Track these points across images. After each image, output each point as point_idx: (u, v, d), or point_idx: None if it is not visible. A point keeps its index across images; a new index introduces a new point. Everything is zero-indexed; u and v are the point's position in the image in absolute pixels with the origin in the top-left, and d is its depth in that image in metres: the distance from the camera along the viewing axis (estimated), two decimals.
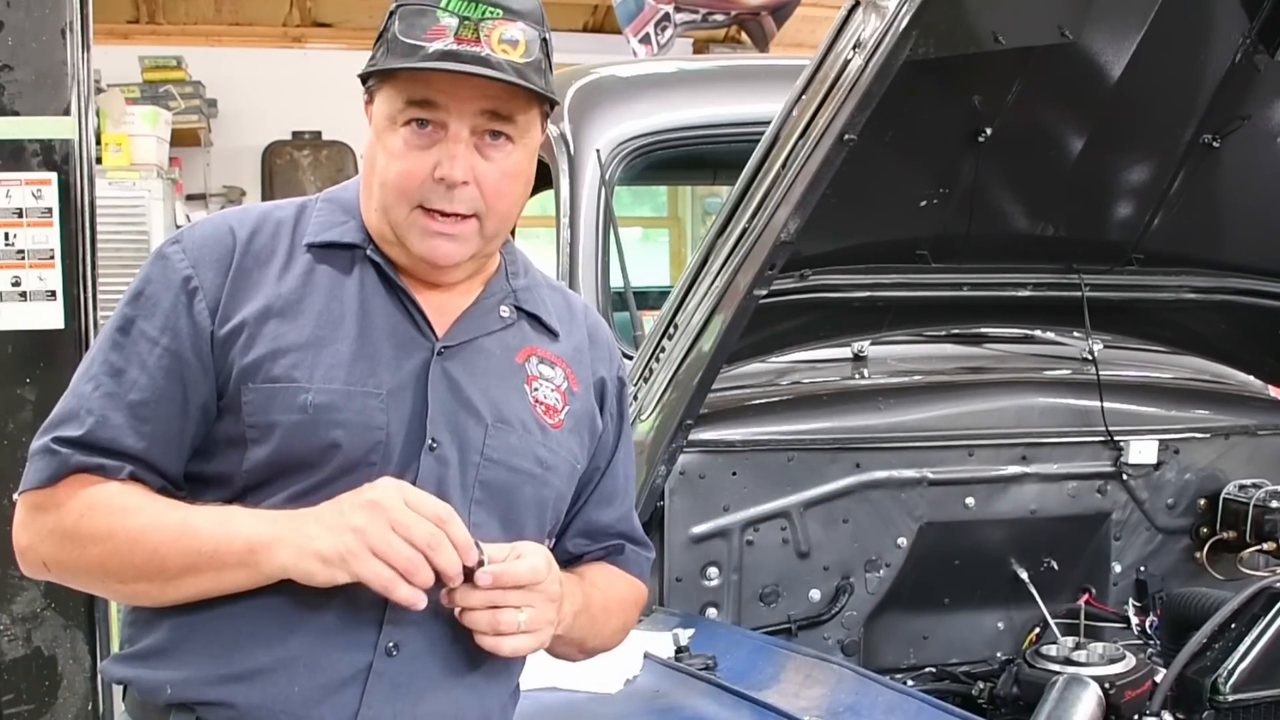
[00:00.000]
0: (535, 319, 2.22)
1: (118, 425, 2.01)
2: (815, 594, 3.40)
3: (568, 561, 2.22)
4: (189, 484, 2.07)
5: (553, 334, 2.23)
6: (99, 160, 6.88)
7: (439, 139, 2.01)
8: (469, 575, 1.91)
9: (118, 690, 2.25)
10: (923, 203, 3.22)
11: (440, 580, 1.89)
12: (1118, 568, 3.69)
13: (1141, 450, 3.63)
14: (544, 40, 2.04)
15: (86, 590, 2.12)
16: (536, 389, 2.16)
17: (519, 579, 1.94)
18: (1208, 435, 3.75)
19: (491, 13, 1.98)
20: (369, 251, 2.11)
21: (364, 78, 2.08)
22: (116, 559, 1.97)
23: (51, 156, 3.89)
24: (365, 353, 2.04)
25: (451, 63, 1.96)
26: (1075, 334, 3.84)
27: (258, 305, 2.04)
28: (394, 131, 2.03)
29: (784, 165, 2.81)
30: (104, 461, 2.00)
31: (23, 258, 3.92)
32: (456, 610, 1.94)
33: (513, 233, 2.26)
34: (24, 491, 2.05)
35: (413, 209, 2.03)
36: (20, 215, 3.90)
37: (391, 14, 2.01)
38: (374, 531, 1.85)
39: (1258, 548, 3.55)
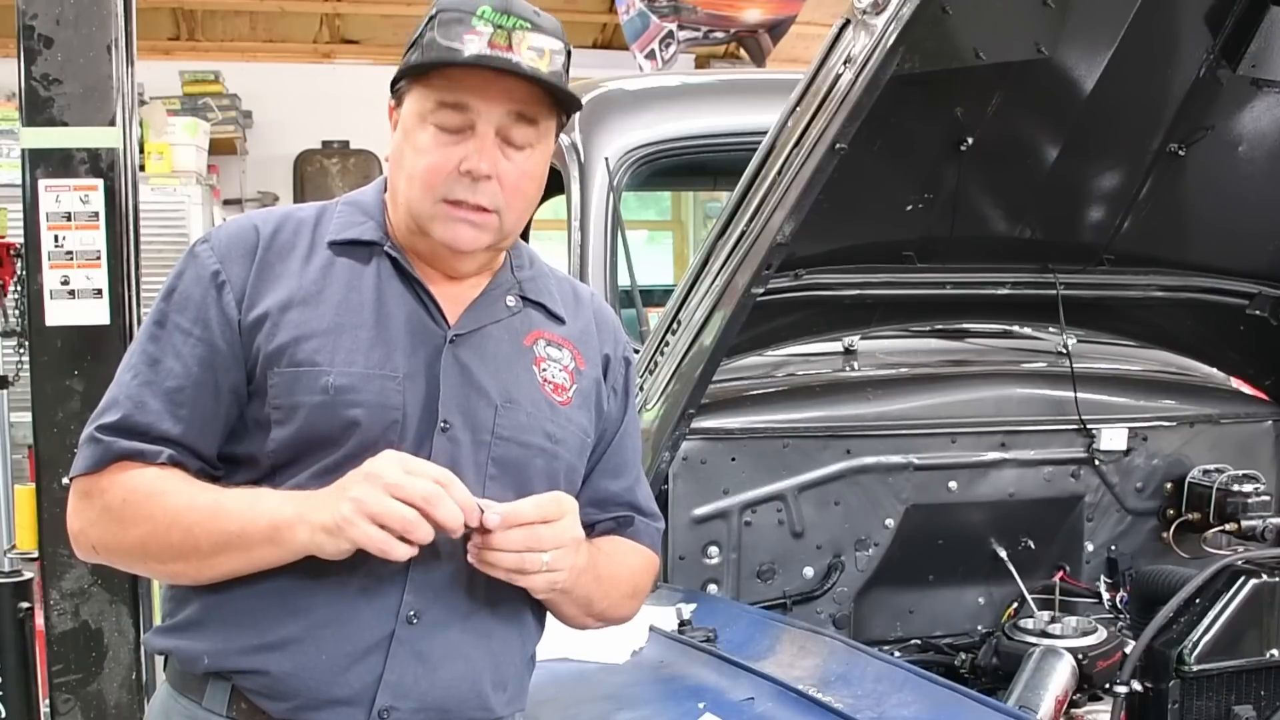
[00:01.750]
0: (541, 306, 2.23)
1: (155, 410, 2.02)
2: (809, 571, 3.39)
3: None
4: (222, 465, 2.08)
5: (559, 319, 2.24)
6: (142, 168, 6.92)
7: (466, 137, 2.03)
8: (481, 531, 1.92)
9: (159, 661, 2.26)
10: (909, 207, 3.22)
11: (458, 537, 1.91)
12: (1090, 547, 3.68)
13: (1112, 438, 3.63)
14: (567, 54, 2.07)
15: (131, 571, 2.14)
16: (545, 369, 2.18)
17: (527, 515, 1.95)
18: (1174, 424, 3.75)
19: (522, 24, 2.01)
20: (387, 247, 2.12)
21: (395, 80, 2.10)
22: (155, 541, 1.99)
23: (98, 164, 3.90)
24: (382, 339, 2.05)
25: (487, 62, 1.99)
26: (1051, 329, 3.83)
27: (281, 295, 2.05)
28: (423, 129, 2.04)
29: (780, 172, 2.80)
30: (144, 447, 2.01)
31: (71, 258, 3.92)
32: (477, 559, 1.95)
33: (526, 235, 2.26)
34: (73, 478, 2.07)
35: (437, 201, 2.04)
36: (69, 219, 3.90)
37: (428, 22, 2.04)
38: (369, 498, 1.86)
39: (1220, 528, 3.55)
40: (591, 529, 2.27)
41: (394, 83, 2.11)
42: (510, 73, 2.00)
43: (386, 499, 1.85)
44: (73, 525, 2.09)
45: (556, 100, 2.08)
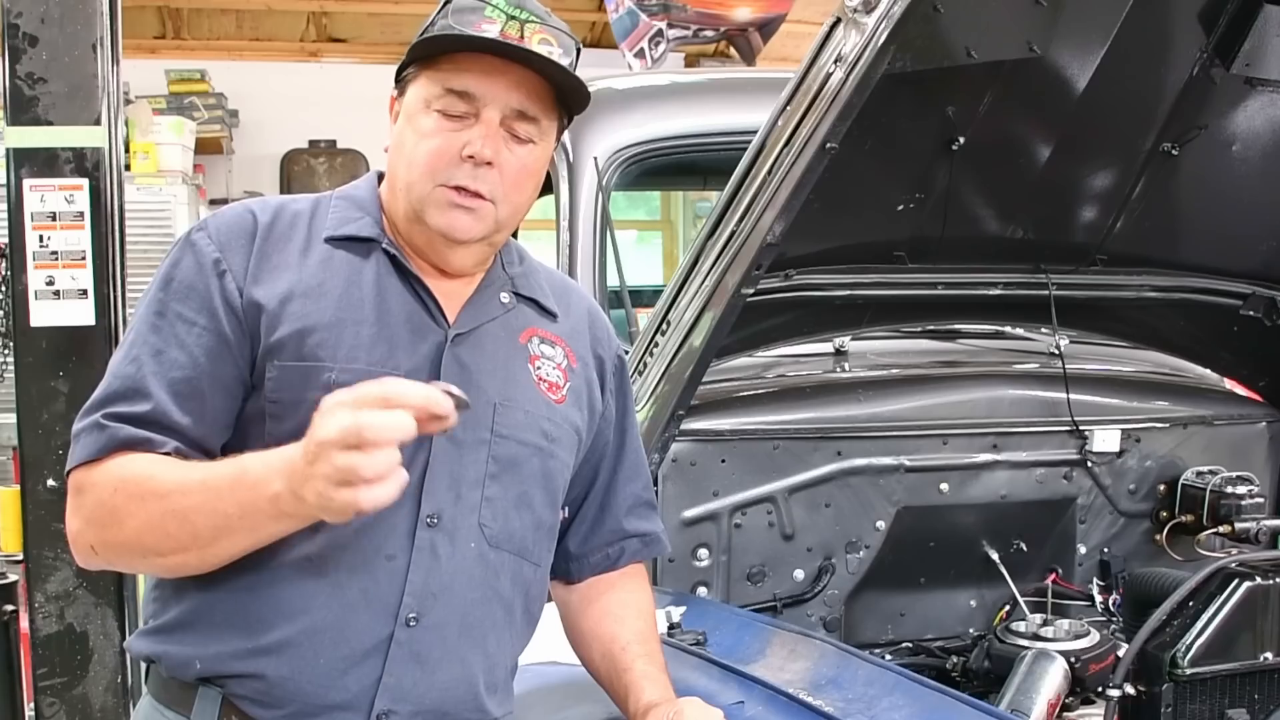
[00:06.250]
0: (534, 302, 2.23)
1: (163, 401, 1.96)
2: (799, 574, 3.39)
3: (606, 562, 2.39)
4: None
5: (551, 315, 2.25)
6: (127, 167, 6.92)
7: (470, 124, 2.04)
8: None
9: (144, 664, 2.20)
10: (900, 207, 3.21)
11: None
12: (1083, 549, 3.68)
13: (1105, 439, 3.62)
14: (576, 52, 2.10)
15: (134, 570, 2.06)
16: (539, 367, 2.18)
17: None
18: (1167, 425, 3.75)
19: (533, 20, 2.04)
20: (385, 245, 2.11)
21: (401, 68, 2.11)
22: (151, 532, 1.90)
23: (83, 164, 3.90)
24: (384, 336, 2.04)
25: (500, 47, 2.01)
26: (1043, 330, 3.83)
27: (282, 287, 2.03)
28: (427, 114, 2.05)
29: (770, 172, 2.80)
30: (152, 435, 1.94)
31: (56, 259, 3.92)
32: None
33: (515, 235, 2.27)
34: (71, 470, 1.98)
35: (437, 185, 2.04)
36: (54, 219, 3.90)
37: (440, 10, 2.06)
38: (331, 473, 1.71)
39: (1214, 530, 3.54)
40: (616, 562, 2.40)
41: (400, 70, 2.12)
42: (520, 61, 2.02)
43: (349, 460, 1.70)
44: (70, 526, 1.99)
45: (560, 100, 2.10)
